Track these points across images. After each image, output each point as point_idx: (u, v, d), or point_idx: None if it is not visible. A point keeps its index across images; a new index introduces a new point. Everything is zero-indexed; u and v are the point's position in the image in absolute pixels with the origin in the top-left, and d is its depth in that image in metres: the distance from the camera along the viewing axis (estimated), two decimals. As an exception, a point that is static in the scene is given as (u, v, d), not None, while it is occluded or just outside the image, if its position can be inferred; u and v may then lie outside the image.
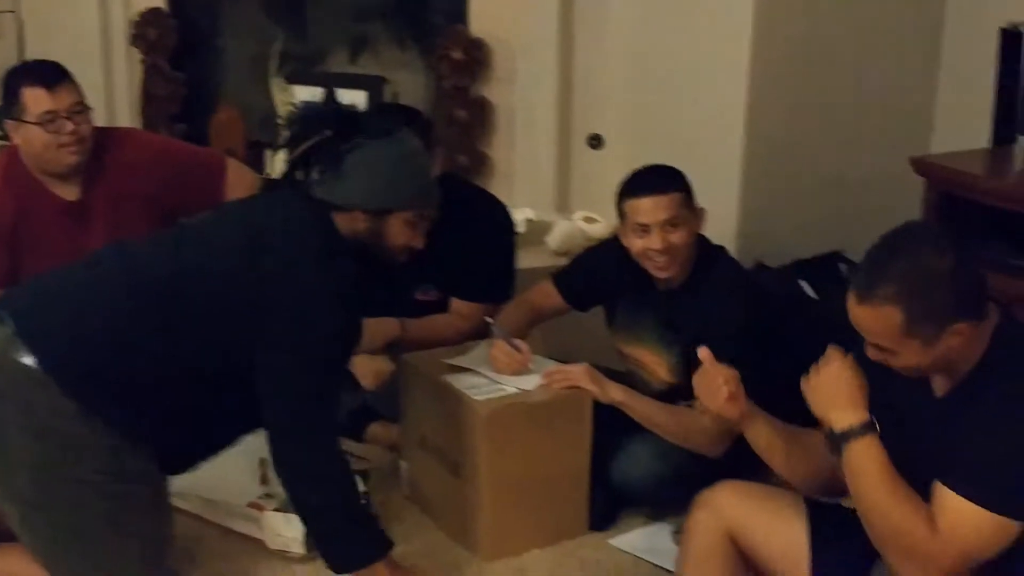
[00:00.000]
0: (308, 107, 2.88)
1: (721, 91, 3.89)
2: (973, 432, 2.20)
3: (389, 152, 2.78)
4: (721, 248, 3.32)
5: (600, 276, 3.40)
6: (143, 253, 2.79)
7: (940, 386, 2.35)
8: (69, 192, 3.46)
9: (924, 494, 2.23)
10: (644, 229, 3.14)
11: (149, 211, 3.47)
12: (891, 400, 2.37)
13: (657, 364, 3.32)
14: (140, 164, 3.49)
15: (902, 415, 2.35)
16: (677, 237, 3.13)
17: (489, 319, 3.28)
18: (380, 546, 2.81)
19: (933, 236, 2.29)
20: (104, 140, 3.50)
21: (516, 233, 3.74)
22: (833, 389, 2.35)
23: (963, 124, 3.94)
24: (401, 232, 2.83)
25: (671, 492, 3.27)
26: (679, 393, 3.26)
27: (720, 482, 2.61)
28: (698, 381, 2.64)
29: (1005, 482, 2.15)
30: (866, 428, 2.29)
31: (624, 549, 3.20)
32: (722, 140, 3.90)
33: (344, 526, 2.77)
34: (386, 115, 3.04)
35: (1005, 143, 3.65)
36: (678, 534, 3.17)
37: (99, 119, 4.36)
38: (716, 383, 2.59)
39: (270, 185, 2.84)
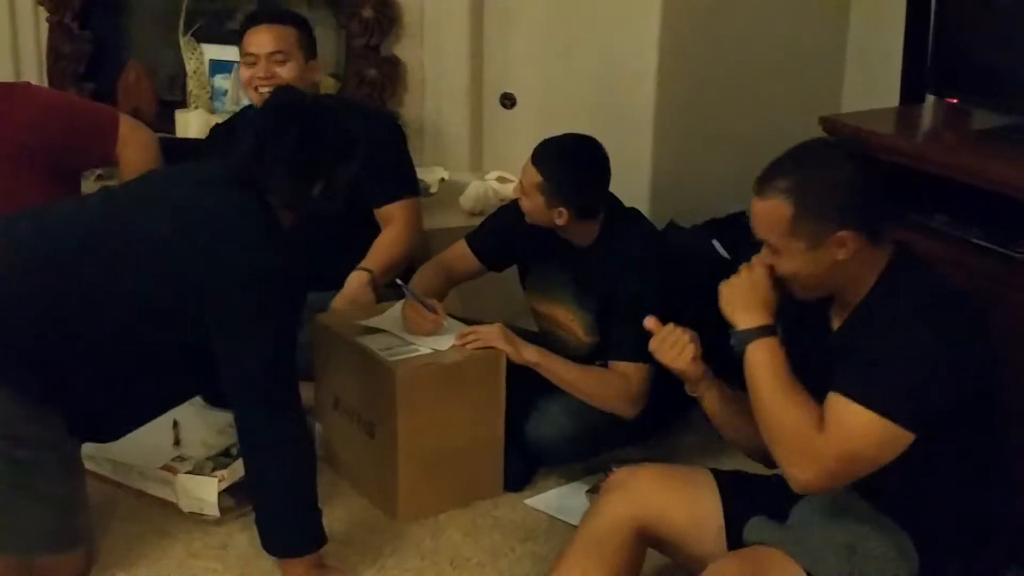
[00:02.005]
0: (285, 101, 2.87)
1: (632, 49, 3.89)
2: (861, 346, 2.27)
3: (352, 166, 2.82)
4: (633, 210, 3.34)
5: (512, 235, 3.41)
6: (57, 220, 2.77)
7: (836, 321, 2.43)
8: None
9: None
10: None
11: (41, 165, 3.44)
12: (794, 339, 2.44)
13: (572, 322, 3.34)
14: (32, 119, 3.45)
15: (805, 353, 2.41)
16: (523, 202, 3.24)
17: (399, 281, 3.28)
18: (316, 540, 2.81)
19: (839, 148, 2.42)
20: None
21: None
22: (745, 293, 2.41)
23: (873, 83, 3.98)
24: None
25: (585, 452, 3.31)
26: (596, 353, 3.28)
27: (638, 467, 2.62)
28: (658, 344, 2.64)
29: (889, 386, 2.21)
30: (768, 330, 2.36)
31: (539, 509, 3.22)
32: (634, 99, 3.91)
33: (292, 509, 2.77)
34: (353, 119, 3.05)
35: (914, 102, 3.69)
36: (593, 493, 3.20)
37: (5, 77, 4.30)
38: (681, 342, 2.60)
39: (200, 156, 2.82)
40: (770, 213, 2.33)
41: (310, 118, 2.80)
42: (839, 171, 2.34)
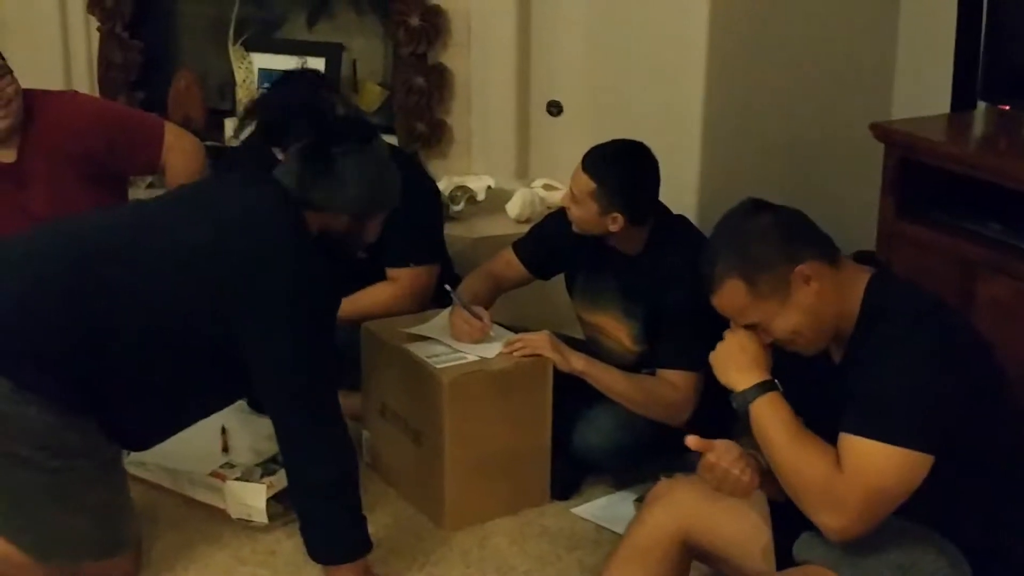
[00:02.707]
0: (288, 100, 2.86)
1: (680, 56, 3.87)
2: (859, 379, 2.26)
3: (374, 159, 2.82)
4: (681, 217, 3.33)
5: (560, 243, 3.39)
6: (88, 229, 2.78)
7: (836, 354, 2.42)
8: (6, 155, 3.47)
9: None
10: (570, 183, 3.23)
11: (87, 173, 3.49)
12: (800, 385, 2.42)
13: (619, 331, 3.32)
14: (78, 126, 3.50)
15: (811, 396, 2.39)
16: (574, 211, 3.20)
17: (448, 287, 3.28)
18: (361, 547, 2.81)
19: (740, 208, 2.43)
20: (42, 103, 3.51)
21: (437, 194, 3.73)
22: (735, 355, 2.39)
23: (924, 90, 3.93)
24: (374, 229, 2.88)
25: (632, 460, 3.29)
26: (642, 362, 3.27)
27: (683, 477, 2.59)
28: (709, 473, 2.42)
29: (895, 414, 2.19)
30: (767, 386, 2.34)
31: (586, 518, 3.21)
32: (681, 106, 3.88)
33: (335, 515, 2.78)
34: (360, 117, 3.05)
35: (965, 109, 3.65)
36: (640, 502, 3.18)
37: (56, 86, 4.33)
38: (731, 477, 2.38)
39: (237, 170, 2.83)
40: (731, 298, 2.35)
41: (315, 104, 2.82)
42: (757, 222, 2.37)
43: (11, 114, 3.39)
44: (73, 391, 2.63)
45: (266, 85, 4.43)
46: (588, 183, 3.14)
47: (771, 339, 2.38)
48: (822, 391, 2.38)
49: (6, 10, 4.62)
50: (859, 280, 2.36)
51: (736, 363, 2.38)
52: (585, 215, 3.19)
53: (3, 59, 3.41)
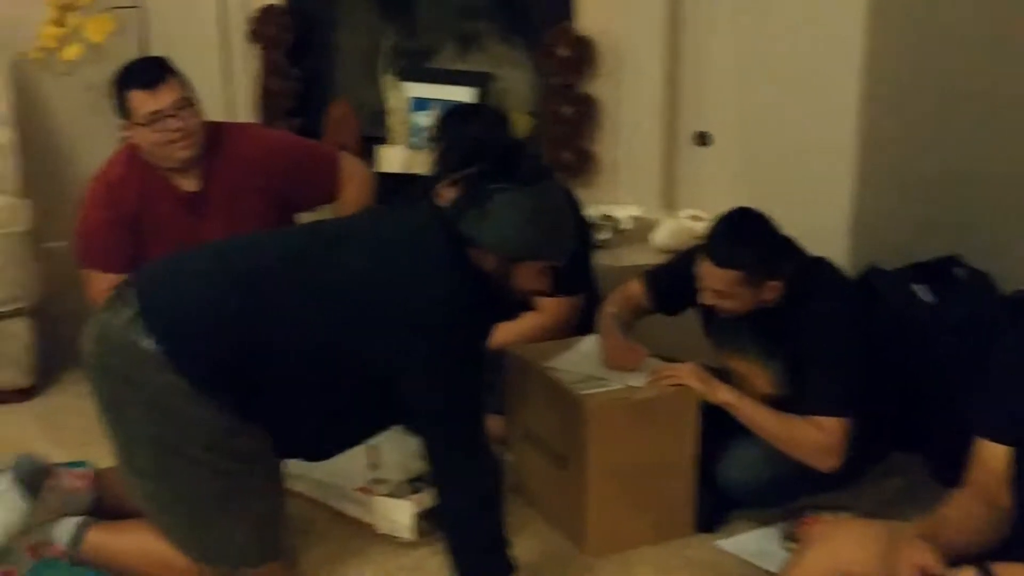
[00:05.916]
0: (473, 133, 2.89)
1: (832, 84, 3.80)
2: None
3: (534, 203, 2.72)
4: (819, 259, 3.22)
5: (693, 282, 3.20)
6: (271, 247, 2.87)
7: None
8: (189, 183, 3.57)
9: None
10: (703, 282, 3.12)
11: (265, 203, 3.56)
12: None
13: (757, 376, 3.26)
14: (256, 158, 3.59)
15: None
16: (727, 304, 3.11)
17: (613, 310, 3.29)
18: (504, 570, 2.83)
19: None
20: (223, 134, 3.61)
21: (588, 225, 3.75)
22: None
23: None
24: (529, 279, 2.80)
25: (776, 497, 3.24)
26: (779, 405, 3.17)
27: (841, 519, 2.62)
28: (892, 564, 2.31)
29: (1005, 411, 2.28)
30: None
31: (731, 551, 3.18)
32: (834, 135, 3.79)
33: (478, 540, 2.80)
34: (538, 161, 3.01)
35: None
36: (788, 540, 3.14)
37: (218, 113, 4.45)
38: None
39: (410, 198, 2.89)
40: None
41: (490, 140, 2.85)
42: None
43: (192, 145, 3.50)
44: (243, 399, 2.72)
45: (432, 113, 4.49)
46: (731, 275, 3.04)
47: None
48: None
49: (170, 38, 4.78)
50: None
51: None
52: (741, 303, 3.09)
53: (192, 91, 3.52)
